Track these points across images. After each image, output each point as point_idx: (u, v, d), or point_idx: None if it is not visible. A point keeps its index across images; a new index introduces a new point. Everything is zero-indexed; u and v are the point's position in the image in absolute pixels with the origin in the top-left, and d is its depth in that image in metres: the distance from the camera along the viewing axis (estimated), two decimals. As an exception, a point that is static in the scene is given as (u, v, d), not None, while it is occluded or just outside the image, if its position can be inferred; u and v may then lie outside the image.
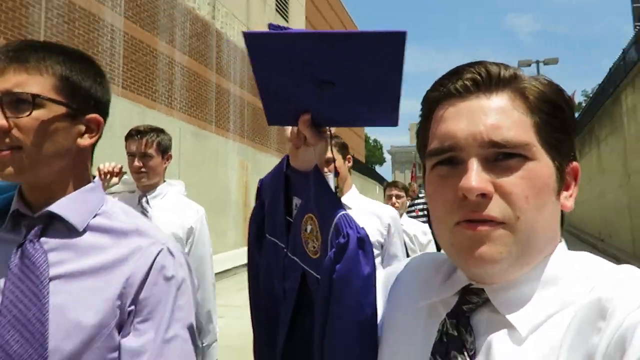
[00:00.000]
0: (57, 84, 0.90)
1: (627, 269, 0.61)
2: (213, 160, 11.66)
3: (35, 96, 0.86)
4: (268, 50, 0.76)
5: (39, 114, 0.87)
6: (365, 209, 2.47)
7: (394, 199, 4.45)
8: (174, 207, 2.44)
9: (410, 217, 7.03)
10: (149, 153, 2.37)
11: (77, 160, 0.96)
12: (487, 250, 0.60)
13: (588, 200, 19.43)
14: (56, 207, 0.91)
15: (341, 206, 0.86)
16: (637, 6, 15.31)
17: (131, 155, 2.38)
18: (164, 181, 2.51)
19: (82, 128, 0.95)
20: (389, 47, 0.71)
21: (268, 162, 13.98)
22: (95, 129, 0.97)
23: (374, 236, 2.41)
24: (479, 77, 0.65)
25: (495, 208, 0.60)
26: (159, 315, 0.93)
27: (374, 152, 64.96)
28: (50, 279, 0.87)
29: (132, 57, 9.11)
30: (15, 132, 0.86)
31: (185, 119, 10.67)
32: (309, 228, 0.89)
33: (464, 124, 0.64)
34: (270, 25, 0.79)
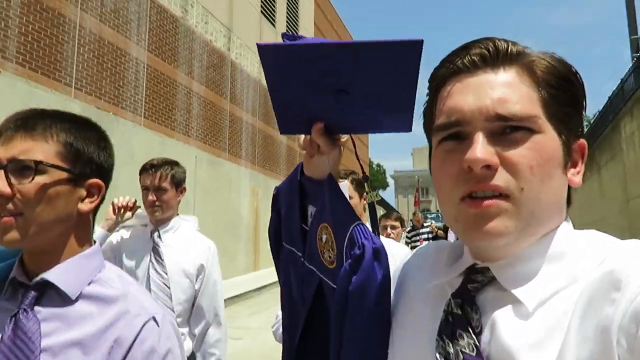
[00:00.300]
0: (61, 151, 0.92)
1: (636, 241, 0.61)
2: (226, 186, 12.01)
3: (38, 163, 0.88)
4: (281, 61, 0.76)
5: (41, 179, 0.89)
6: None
7: (389, 229, 4.43)
8: (185, 242, 2.42)
9: (415, 247, 7.28)
10: (163, 187, 2.35)
11: (78, 225, 0.97)
12: (493, 225, 0.60)
13: (589, 224, 19.70)
14: (51, 275, 0.91)
15: (356, 215, 0.85)
16: (634, 38, 15.90)
17: (145, 189, 2.37)
18: (177, 215, 2.50)
19: (83, 193, 0.96)
20: (406, 55, 0.71)
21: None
22: (96, 194, 0.99)
23: None
24: (486, 52, 0.65)
25: (500, 179, 0.60)
26: None
27: (377, 177, 65.27)
28: (42, 350, 0.87)
29: (154, 88, 9.54)
30: (18, 198, 0.87)
31: (201, 147, 11.06)
32: (324, 237, 0.89)
33: (471, 98, 0.64)
34: (284, 35, 0.80)
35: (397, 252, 2.29)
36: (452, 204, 0.64)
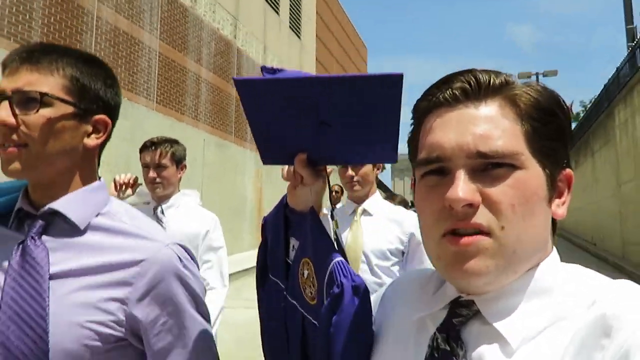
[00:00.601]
0: (67, 85, 0.91)
1: (626, 284, 0.60)
2: (232, 168, 12.58)
3: (43, 94, 0.87)
4: (258, 95, 0.76)
5: (46, 112, 0.88)
6: (386, 215, 2.45)
7: None
8: (188, 215, 2.46)
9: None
10: (163, 163, 2.39)
11: (83, 160, 0.96)
12: (472, 264, 0.60)
13: (582, 208, 20.36)
14: (58, 204, 0.91)
15: (337, 251, 0.84)
16: (630, 28, 16.24)
17: (146, 167, 2.40)
18: (179, 191, 2.52)
19: (89, 128, 0.95)
20: (386, 89, 0.71)
21: (279, 170, 14.90)
22: (103, 130, 0.98)
23: (393, 243, 2.36)
24: (468, 86, 0.64)
25: (481, 217, 0.60)
26: (173, 313, 0.93)
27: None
28: (51, 277, 0.87)
29: (166, 75, 10.05)
30: (22, 129, 0.86)
31: (209, 130, 11.59)
32: (305, 273, 0.88)
33: (452, 135, 0.63)
34: (264, 68, 0.79)
35: (406, 220, 2.42)
36: (434, 241, 0.64)
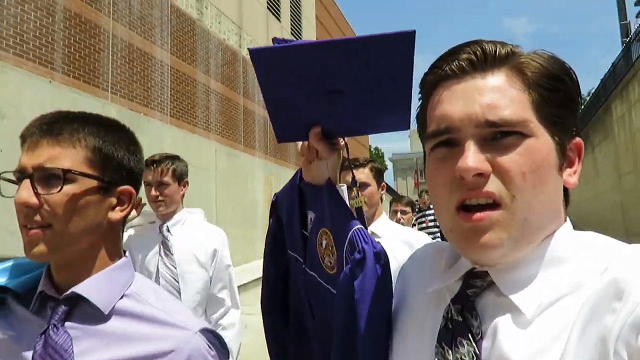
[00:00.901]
0: (90, 157, 0.87)
1: (636, 246, 0.59)
2: (243, 176, 12.79)
3: (66, 171, 0.83)
4: (274, 64, 0.74)
5: (69, 189, 0.84)
6: (394, 236, 2.30)
7: (399, 214, 4.35)
8: (194, 232, 2.44)
9: (421, 228, 7.47)
10: (165, 181, 2.36)
11: (108, 235, 0.93)
12: (486, 238, 0.60)
13: (586, 200, 20.69)
14: (81, 288, 0.86)
15: (355, 219, 0.83)
16: (624, 23, 16.58)
17: (148, 185, 2.37)
18: (182, 207, 2.49)
19: (114, 201, 0.92)
20: (399, 47, 0.70)
21: (289, 175, 15.10)
22: (127, 201, 0.94)
23: None
24: (474, 56, 0.63)
25: (492, 185, 0.60)
26: None
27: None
28: None
29: (177, 88, 10.25)
30: (45, 208, 0.83)
31: (219, 140, 11.79)
32: (324, 243, 0.87)
33: (460, 106, 0.62)
34: (275, 39, 0.77)
35: (417, 241, 2.20)
36: (448, 214, 0.64)
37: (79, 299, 0.87)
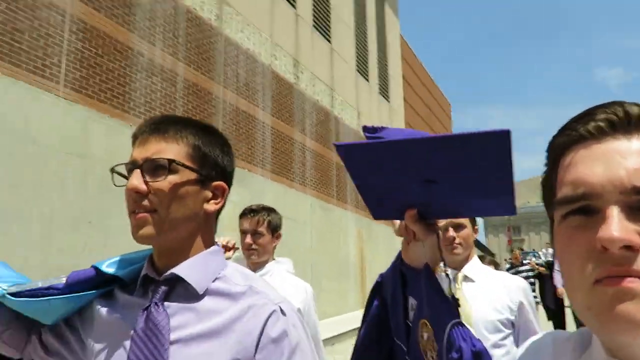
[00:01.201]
0: (190, 152, 0.97)
1: None
2: (337, 230, 13.07)
3: (171, 161, 0.93)
4: (362, 157, 0.75)
5: (173, 178, 0.93)
6: (489, 280, 2.20)
7: None
8: (282, 285, 2.40)
9: None
10: (260, 231, 2.46)
11: (203, 225, 1.01)
12: (632, 308, 0.49)
13: None
14: (180, 270, 0.95)
15: (455, 313, 0.80)
16: None
17: (244, 233, 2.48)
18: (273, 259, 2.56)
19: (209, 194, 1.00)
20: (494, 146, 0.69)
21: (379, 229, 15.25)
22: (221, 196, 1.02)
23: (503, 313, 2.09)
24: (615, 117, 0.56)
25: None
26: (300, 357, 0.92)
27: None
28: (171, 343, 0.90)
29: (277, 146, 10.97)
30: (152, 195, 0.92)
31: (314, 195, 12.27)
32: (425, 335, 0.84)
33: (600, 169, 0.55)
34: (365, 128, 0.79)
35: (514, 283, 2.19)
36: (583, 287, 0.54)
37: (177, 280, 0.96)
